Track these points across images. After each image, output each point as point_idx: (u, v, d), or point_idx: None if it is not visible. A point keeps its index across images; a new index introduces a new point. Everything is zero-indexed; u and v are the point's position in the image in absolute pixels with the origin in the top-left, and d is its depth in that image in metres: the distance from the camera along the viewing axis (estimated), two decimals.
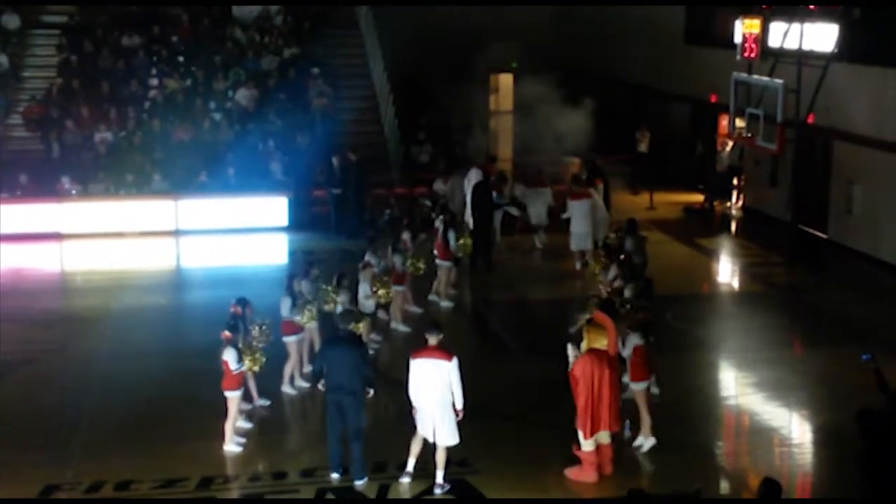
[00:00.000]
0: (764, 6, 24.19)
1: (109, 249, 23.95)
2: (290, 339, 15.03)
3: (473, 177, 22.97)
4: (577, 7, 37.71)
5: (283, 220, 25.36)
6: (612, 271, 16.46)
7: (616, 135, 31.70)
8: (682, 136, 31.07)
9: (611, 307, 13.35)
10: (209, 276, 22.04)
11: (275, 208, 25.43)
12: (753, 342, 18.00)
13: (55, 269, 23.42)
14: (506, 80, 41.43)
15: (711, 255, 24.63)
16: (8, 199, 24.54)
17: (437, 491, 12.27)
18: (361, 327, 14.96)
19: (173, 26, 30.92)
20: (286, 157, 26.57)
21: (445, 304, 19.42)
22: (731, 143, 27.36)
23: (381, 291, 16.63)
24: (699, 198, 28.32)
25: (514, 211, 23.43)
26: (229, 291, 15.82)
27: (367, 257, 17.16)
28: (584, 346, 12.65)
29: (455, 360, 12.10)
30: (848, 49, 22.03)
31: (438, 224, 19.57)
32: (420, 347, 12.38)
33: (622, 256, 17.45)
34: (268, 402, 14.71)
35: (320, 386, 12.74)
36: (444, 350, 12.20)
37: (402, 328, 17.84)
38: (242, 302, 14.10)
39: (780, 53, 22.98)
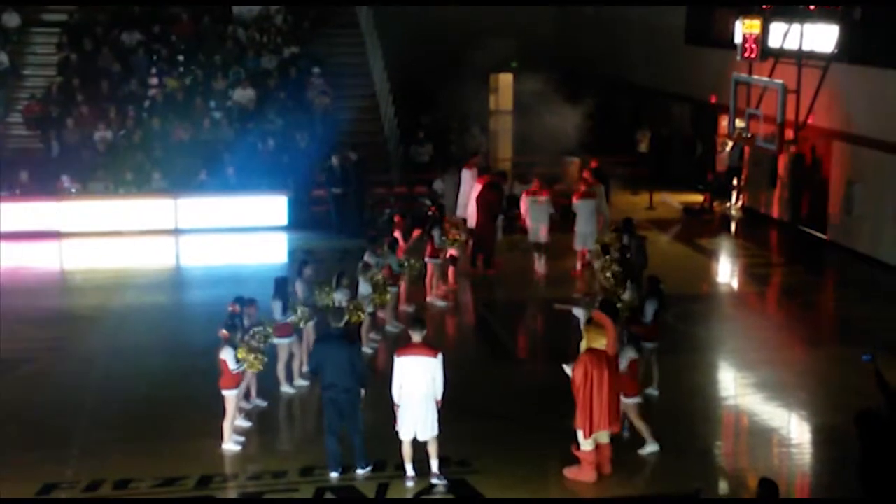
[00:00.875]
0: (764, 6, 24.21)
1: (109, 248, 23.95)
2: (281, 342, 14.96)
3: (467, 177, 23.00)
4: (577, 7, 37.75)
5: (283, 219, 25.37)
6: (629, 293, 16.10)
7: (616, 135, 31.72)
8: (682, 136, 31.08)
9: (611, 308, 13.35)
10: (209, 275, 22.03)
11: (275, 207, 25.44)
12: (753, 343, 18.00)
13: (55, 268, 23.43)
14: (506, 79, 41.51)
15: (711, 255, 24.63)
16: (8, 198, 24.54)
17: (434, 481, 12.31)
18: (362, 316, 15.16)
19: (173, 25, 30.92)
20: (286, 156, 26.55)
21: (432, 300, 19.42)
22: (730, 144, 27.39)
23: (378, 300, 16.66)
24: (699, 198, 28.31)
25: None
26: (229, 290, 15.81)
27: (367, 258, 17.16)
28: (583, 345, 12.64)
29: (440, 356, 12.16)
30: (848, 50, 22.05)
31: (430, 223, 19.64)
32: (404, 345, 12.41)
33: (621, 254, 17.45)
34: (264, 403, 14.68)
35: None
36: (429, 346, 12.26)
37: (396, 328, 17.84)
38: (243, 301, 14.07)
39: (780, 54, 23.01)
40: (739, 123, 23.85)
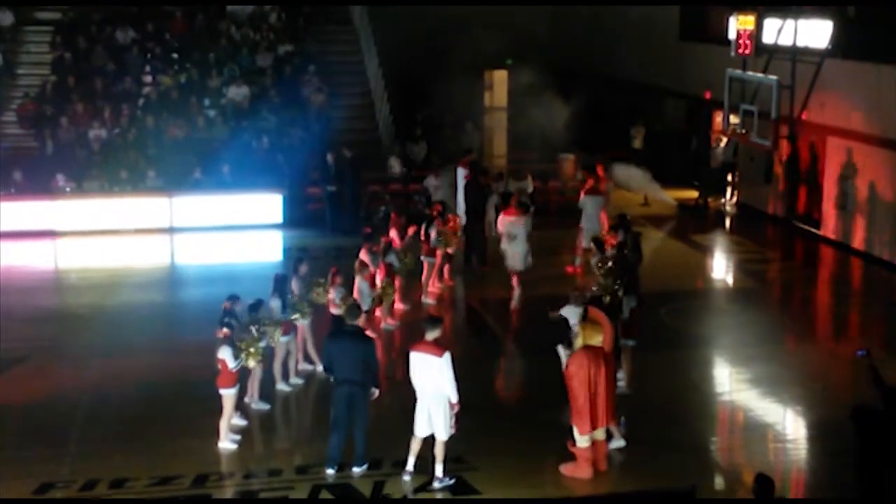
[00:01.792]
0: (758, 3, 24.20)
1: (104, 247, 23.92)
2: (280, 340, 14.98)
3: (462, 175, 23.03)
4: (572, 4, 37.72)
5: (278, 216, 25.36)
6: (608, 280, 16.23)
7: (611, 131, 31.73)
8: (676, 132, 31.10)
9: (600, 303, 13.40)
10: (204, 273, 22.02)
11: (269, 205, 25.43)
12: (747, 338, 18.02)
13: (49, 267, 23.40)
14: (500, 76, 41.54)
15: (706, 251, 24.65)
16: (2, 197, 24.50)
17: (436, 485, 12.30)
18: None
19: (167, 22, 30.89)
20: (281, 153, 26.53)
21: (426, 300, 19.44)
22: (725, 140, 27.41)
23: (381, 299, 16.71)
24: (694, 194, 28.34)
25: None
26: (224, 288, 15.75)
27: (363, 256, 17.15)
28: (578, 342, 12.66)
29: (446, 356, 12.11)
30: (842, 45, 22.06)
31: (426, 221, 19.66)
32: (417, 341, 12.43)
33: (618, 250, 17.46)
34: (267, 406, 14.68)
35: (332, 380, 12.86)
36: (437, 345, 12.23)
37: (391, 326, 17.85)
38: (237, 299, 14.08)
39: (775, 50, 22.98)
40: (734, 119, 23.85)
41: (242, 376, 13.77)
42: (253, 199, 25.48)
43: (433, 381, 12.15)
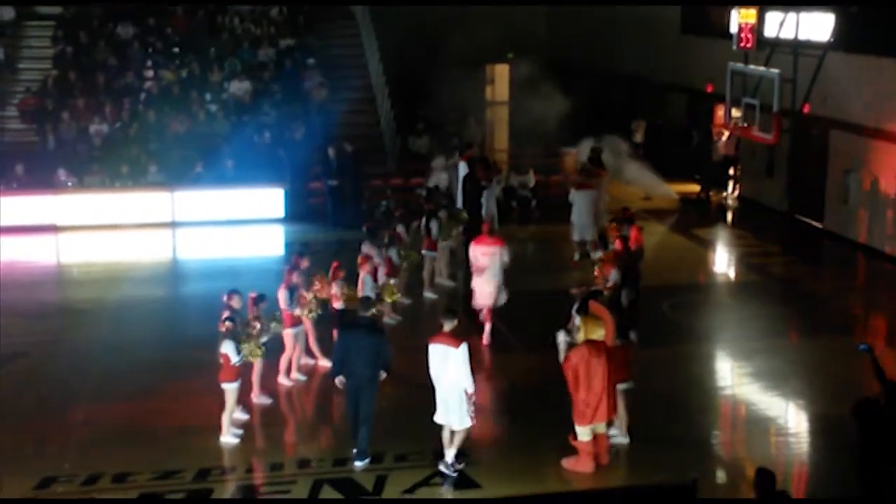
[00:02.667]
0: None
1: (105, 241, 23.92)
2: (288, 332, 15.02)
3: (463, 169, 23.00)
4: (573, 4, 37.63)
5: (280, 211, 25.36)
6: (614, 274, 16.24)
7: (612, 125, 31.69)
8: (678, 126, 31.07)
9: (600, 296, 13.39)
10: (205, 268, 22.02)
11: (271, 199, 25.42)
12: (749, 332, 18.01)
13: (51, 262, 23.40)
14: (502, 70, 41.49)
15: (707, 245, 24.63)
16: (4, 192, 24.50)
17: (442, 468, 12.39)
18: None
19: (168, 17, 30.85)
20: (282, 148, 26.52)
21: (429, 294, 19.42)
22: (726, 134, 27.39)
23: (389, 296, 16.71)
24: (695, 188, 28.32)
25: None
26: (226, 283, 15.82)
27: (366, 249, 17.14)
28: (580, 336, 12.65)
29: (463, 347, 12.22)
30: (844, 38, 22.03)
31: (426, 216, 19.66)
32: (435, 332, 12.50)
33: (617, 246, 17.45)
34: (269, 401, 14.68)
35: (337, 381, 12.89)
36: (454, 337, 12.31)
37: (394, 320, 17.84)
38: (235, 293, 14.06)
39: (776, 43, 22.97)
40: (736, 113, 23.84)
41: (245, 370, 13.77)
42: (254, 193, 25.48)
43: (450, 372, 12.24)
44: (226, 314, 13.52)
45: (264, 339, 13.79)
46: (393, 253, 17.67)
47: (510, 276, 17.40)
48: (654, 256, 20.45)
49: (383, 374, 12.86)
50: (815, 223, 24.50)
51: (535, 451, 13.09)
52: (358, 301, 13.86)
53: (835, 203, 23.76)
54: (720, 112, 26.95)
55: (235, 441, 13.37)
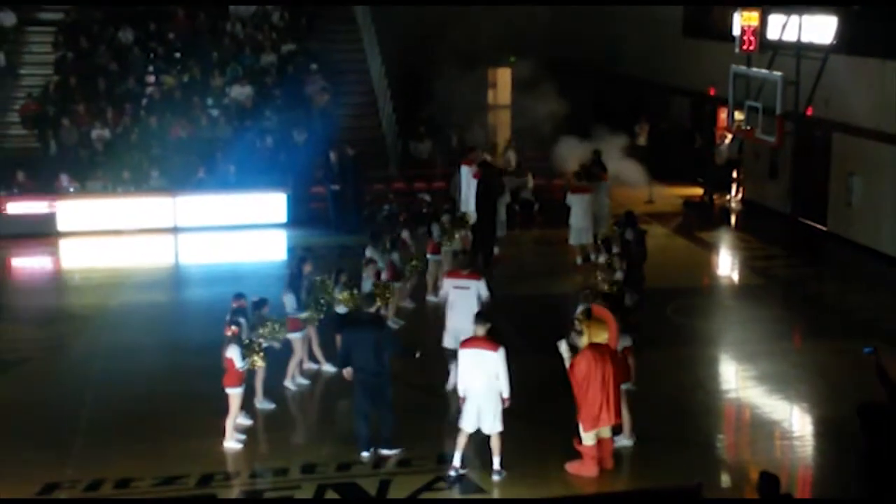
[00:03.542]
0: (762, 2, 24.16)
1: (107, 247, 23.90)
2: (294, 336, 14.99)
3: (466, 173, 22.97)
4: (576, 4, 37.59)
5: (282, 216, 25.33)
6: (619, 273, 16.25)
7: (614, 128, 31.63)
8: (681, 129, 31.04)
9: (613, 301, 13.34)
10: (208, 273, 21.99)
11: (273, 204, 25.40)
12: (753, 335, 17.98)
13: (53, 267, 23.37)
14: (504, 74, 41.45)
15: (711, 248, 24.60)
16: (5, 197, 24.48)
17: (496, 478, 12.40)
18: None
19: (169, 22, 30.85)
20: (284, 153, 26.50)
21: (432, 298, 19.39)
22: (730, 136, 27.35)
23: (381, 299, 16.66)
24: (698, 191, 28.28)
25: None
26: (228, 288, 15.79)
27: (370, 253, 17.11)
28: (584, 340, 12.61)
29: (501, 351, 12.28)
30: (847, 41, 22.00)
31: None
32: (468, 337, 12.53)
33: (618, 249, 17.41)
34: (272, 405, 14.64)
35: (345, 373, 13.04)
36: (491, 340, 12.34)
37: (396, 324, 17.81)
38: (241, 297, 14.05)
39: (779, 46, 22.96)
40: (738, 116, 23.82)
41: (248, 375, 13.74)
42: (257, 198, 25.45)
43: (486, 376, 12.27)
44: (232, 318, 13.51)
45: (266, 344, 13.76)
46: (396, 257, 17.64)
47: (515, 281, 17.34)
48: (658, 259, 20.39)
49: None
50: (818, 226, 24.45)
51: (538, 454, 13.06)
52: (360, 301, 13.93)
53: (838, 206, 23.71)
54: (723, 115, 26.92)
55: (239, 446, 13.34)
